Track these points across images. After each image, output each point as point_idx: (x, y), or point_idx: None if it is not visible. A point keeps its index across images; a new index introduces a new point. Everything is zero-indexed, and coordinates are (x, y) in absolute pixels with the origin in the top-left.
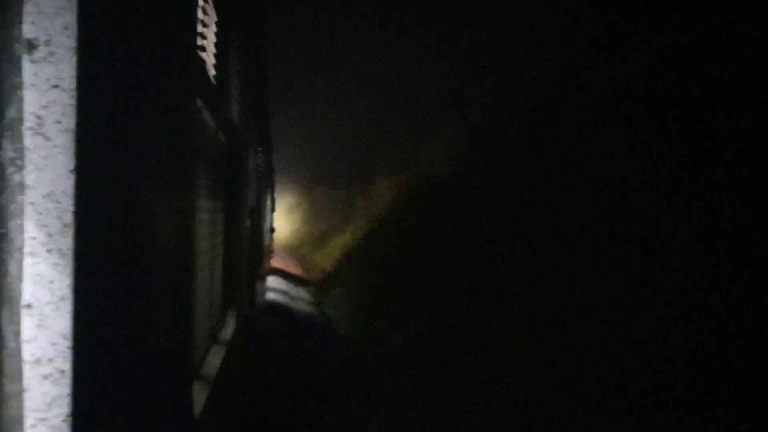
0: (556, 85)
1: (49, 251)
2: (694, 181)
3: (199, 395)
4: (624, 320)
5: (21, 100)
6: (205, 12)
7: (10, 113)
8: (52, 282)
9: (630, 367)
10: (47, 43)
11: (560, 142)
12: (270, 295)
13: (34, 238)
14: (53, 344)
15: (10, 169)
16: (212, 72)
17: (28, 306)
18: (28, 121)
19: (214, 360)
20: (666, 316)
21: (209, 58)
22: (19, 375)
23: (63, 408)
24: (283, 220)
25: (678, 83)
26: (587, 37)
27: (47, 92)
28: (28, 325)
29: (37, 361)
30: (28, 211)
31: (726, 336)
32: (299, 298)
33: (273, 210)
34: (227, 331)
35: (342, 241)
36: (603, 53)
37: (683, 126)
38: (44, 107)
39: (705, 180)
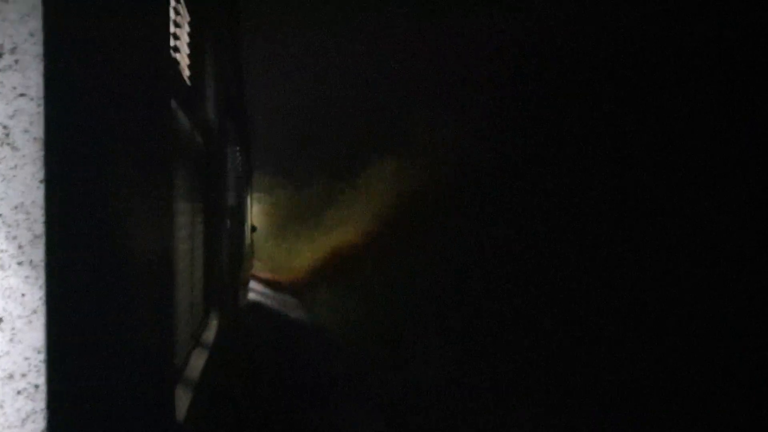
0: (557, 85)
1: (19, 264)
2: (694, 181)
3: (183, 400)
4: (625, 322)
5: None
6: (177, 12)
7: None
8: (23, 295)
9: (632, 368)
10: (12, 50)
11: (562, 142)
12: (254, 299)
13: (3, 251)
14: (26, 359)
15: None
16: (186, 72)
17: (0, 320)
18: None
19: (197, 362)
20: (667, 317)
21: (183, 58)
22: None
23: (38, 423)
24: (264, 221)
25: (682, 85)
26: (593, 36)
27: (13, 101)
28: (0, 340)
29: (10, 377)
30: None
31: (725, 336)
32: (285, 302)
33: (252, 208)
34: (210, 333)
35: (328, 241)
36: (608, 52)
37: (686, 128)
38: (11, 116)
39: (705, 182)
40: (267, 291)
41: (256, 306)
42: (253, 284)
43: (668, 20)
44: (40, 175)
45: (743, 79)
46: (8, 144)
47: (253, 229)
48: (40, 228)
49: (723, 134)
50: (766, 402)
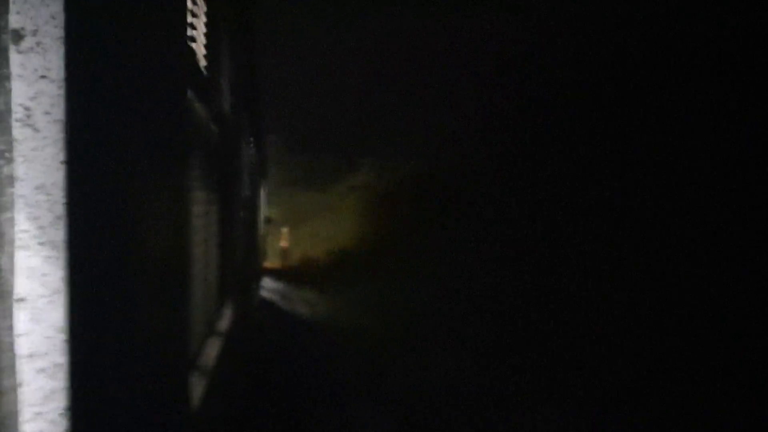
0: (557, 85)
1: (41, 244)
2: (694, 181)
3: (196, 387)
4: (625, 322)
5: (8, 91)
6: (194, 2)
7: None
8: (45, 275)
9: (630, 368)
10: (34, 33)
11: (562, 142)
12: (267, 294)
13: (25, 231)
14: (48, 338)
15: None
16: (203, 62)
17: (22, 300)
18: (17, 113)
19: (211, 351)
20: (667, 317)
21: (199, 48)
22: (13, 370)
23: (59, 402)
24: (276, 214)
25: (682, 85)
26: (589, 34)
27: (35, 83)
28: (21, 319)
29: (32, 356)
30: (19, 203)
31: (725, 336)
32: (298, 297)
33: (266, 201)
34: (224, 323)
35: (342, 238)
36: (608, 52)
37: (686, 128)
38: (32, 98)
39: (705, 182)
40: (281, 284)
41: (267, 299)
42: (270, 280)
43: (668, 20)
44: (61, 156)
45: (743, 79)
46: (29, 125)
47: (267, 220)
48: (60, 209)
49: (723, 134)
50: (766, 402)
